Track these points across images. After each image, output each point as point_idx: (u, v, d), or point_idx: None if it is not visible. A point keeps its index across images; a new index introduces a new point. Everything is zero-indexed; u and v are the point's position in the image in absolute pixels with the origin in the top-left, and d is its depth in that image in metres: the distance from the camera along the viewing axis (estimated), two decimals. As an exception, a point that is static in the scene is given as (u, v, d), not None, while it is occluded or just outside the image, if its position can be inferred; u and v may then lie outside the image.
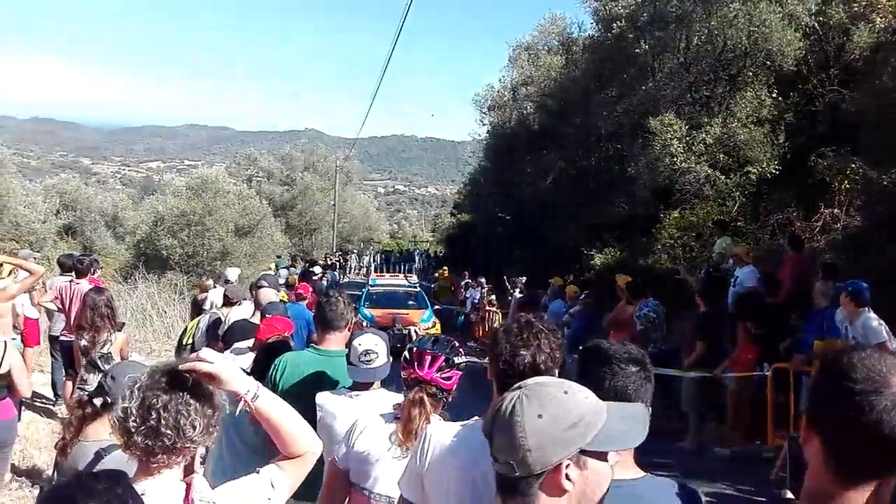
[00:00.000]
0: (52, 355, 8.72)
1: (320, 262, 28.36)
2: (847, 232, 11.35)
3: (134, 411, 2.00)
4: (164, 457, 2.02)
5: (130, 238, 29.40)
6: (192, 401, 2.03)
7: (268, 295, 6.02)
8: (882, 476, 1.32)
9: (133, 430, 1.99)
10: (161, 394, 2.01)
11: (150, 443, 1.99)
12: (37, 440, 7.29)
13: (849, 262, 9.64)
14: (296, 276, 16.55)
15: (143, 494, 1.94)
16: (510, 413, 1.36)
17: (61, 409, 8.17)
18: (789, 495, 1.55)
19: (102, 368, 5.50)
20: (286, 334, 4.16)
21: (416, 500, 2.24)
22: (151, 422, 1.97)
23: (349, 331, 3.75)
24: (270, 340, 4.05)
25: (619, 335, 9.60)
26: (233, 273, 9.60)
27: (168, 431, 1.99)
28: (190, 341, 7.29)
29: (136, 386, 2.04)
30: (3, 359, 4.50)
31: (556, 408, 1.36)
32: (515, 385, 1.43)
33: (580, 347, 2.08)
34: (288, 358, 3.75)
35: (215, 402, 2.08)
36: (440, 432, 2.25)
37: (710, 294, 8.57)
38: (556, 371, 2.20)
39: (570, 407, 1.36)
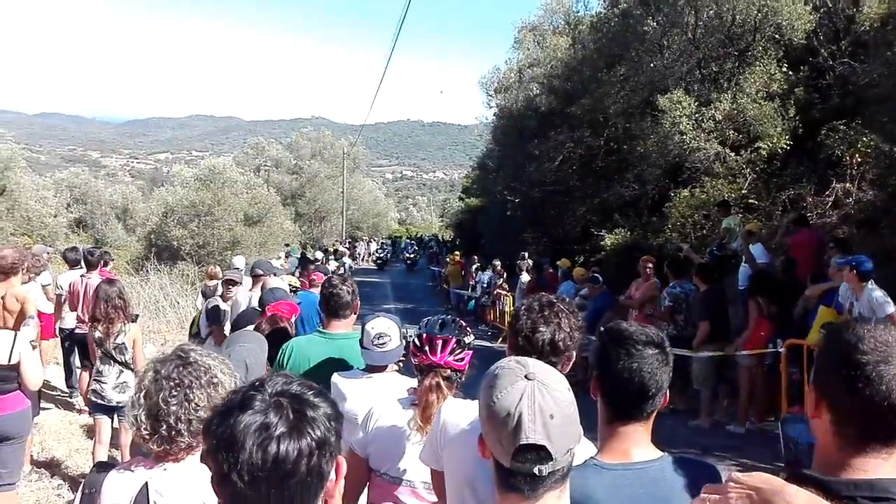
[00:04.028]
0: (62, 347, 8.78)
1: (320, 249, 28.49)
2: (860, 206, 11.25)
3: (143, 420, 2.03)
4: (184, 452, 2.07)
5: (141, 230, 29.64)
6: (200, 398, 2.04)
7: (273, 282, 6.05)
8: (891, 443, 1.36)
9: (147, 437, 2.04)
10: (170, 399, 2.02)
11: (166, 447, 2.04)
12: (55, 432, 7.37)
13: (862, 236, 9.57)
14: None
15: (166, 472, 2.03)
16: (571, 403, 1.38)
17: (78, 401, 8.24)
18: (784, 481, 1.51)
19: (117, 359, 5.55)
20: (291, 319, 4.16)
21: (437, 466, 2.30)
22: (162, 431, 2.01)
23: (354, 314, 3.79)
24: (266, 329, 4.05)
25: (639, 315, 9.58)
26: (239, 261, 9.61)
27: (181, 440, 2.03)
28: (196, 330, 7.38)
29: (143, 393, 2.05)
30: (12, 349, 4.53)
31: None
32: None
33: (601, 328, 2.07)
34: (295, 342, 3.78)
35: (221, 389, 2.09)
36: (455, 410, 2.28)
37: (708, 273, 8.51)
38: (574, 351, 2.21)
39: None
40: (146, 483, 2.04)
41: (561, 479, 1.38)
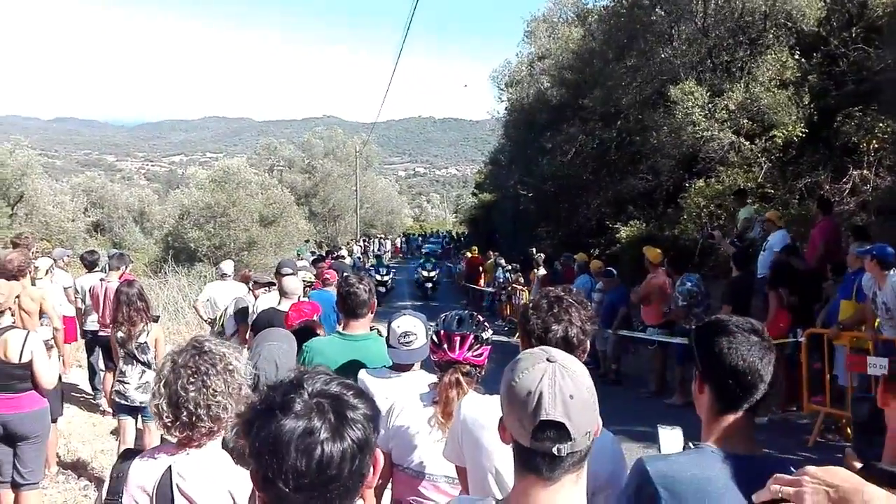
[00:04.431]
0: (87, 350, 8.89)
1: (324, 249, 28.58)
2: (878, 193, 11.14)
3: (165, 408, 2.13)
4: (205, 438, 2.17)
5: (158, 232, 29.88)
6: (217, 384, 2.14)
7: (291, 282, 6.08)
8: None
9: (170, 425, 2.15)
10: (188, 386, 2.12)
11: (188, 433, 2.14)
12: (80, 434, 7.48)
13: (881, 223, 9.48)
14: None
15: (188, 457, 2.14)
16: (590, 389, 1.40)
17: (101, 403, 8.35)
18: (856, 463, 1.53)
19: (140, 359, 5.62)
20: (314, 318, 4.20)
21: (461, 462, 2.32)
22: (184, 418, 2.11)
23: (372, 313, 3.80)
24: (296, 326, 4.09)
25: (650, 308, 9.58)
26: (227, 266, 9.69)
27: (202, 425, 2.13)
28: (221, 329, 7.43)
29: (163, 383, 2.15)
30: (23, 347, 4.59)
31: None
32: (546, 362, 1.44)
33: (696, 325, 2.07)
34: (314, 345, 3.79)
35: (237, 375, 2.19)
36: (475, 405, 2.30)
37: (743, 261, 8.53)
38: (588, 343, 2.22)
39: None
40: (169, 467, 2.14)
41: (579, 462, 1.40)
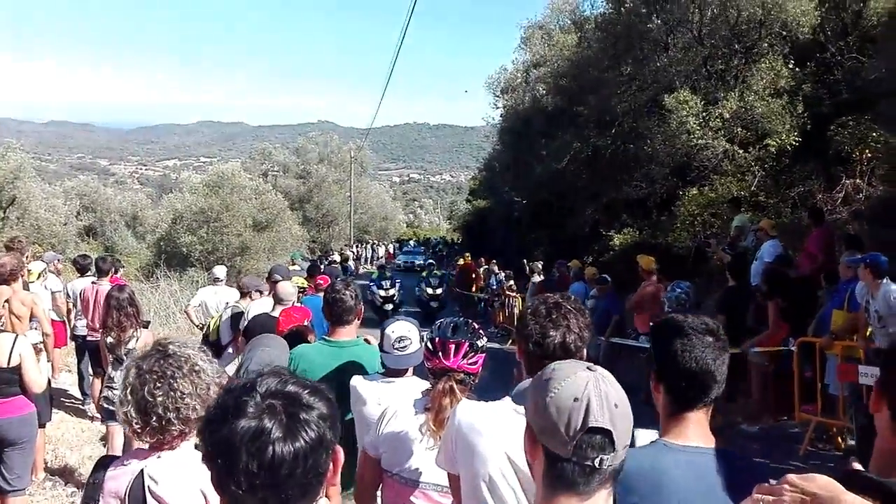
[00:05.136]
0: (77, 355, 8.83)
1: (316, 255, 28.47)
2: (870, 202, 11.17)
3: (134, 415, 2.12)
4: (177, 440, 2.16)
5: (151, 237, 29.73)
6: (185, 386, 2.12)
7: (286, 288, 6.03)
8: None
9: (140, 431, 2.13)
10: (155, 391, 2.11)
11: (159, 437, 2.14)
12: (67, 439, 7.40)
13: (873, 232, 9.49)
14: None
15: (160, 460, 2.12)
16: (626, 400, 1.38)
17: (90, 408, 8.28)
18: (857, 465, 1.54)
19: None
20: (305, 323, 4.17)
21: (454, 470, 2.30)
22: (153, 423, 2.10)
23: (358, 319, 3.78)
24: (288, 330, 4.06)
25: (643, 316, 9.56)
26: (220, 271, 9.63)
27: (172, 428, 2.12)
28: (215, 337, 7.33)
29: (129, 390, 2.13)
30: (12, 350, 4.54)
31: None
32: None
33: (652, 325, 2.10)
34: (300, 351, 3.76)
35: (204, 375, 2.18)
36: (469, 412, 2.27)
37: (739, 270, 8.53)
38: (585, 350, 2.19)
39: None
40: (141, 471, 2.13)
41: (612, 476, 1.37)
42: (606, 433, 1.31)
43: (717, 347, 1.85)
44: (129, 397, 2.11)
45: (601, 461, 1.31)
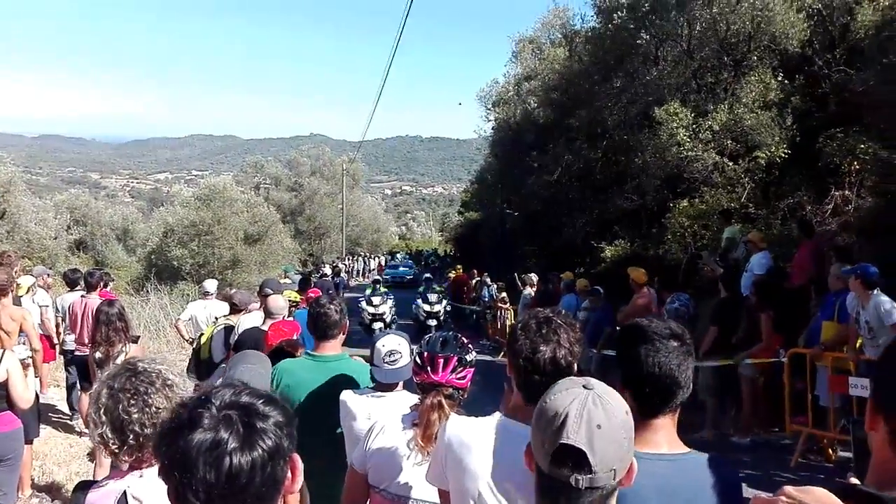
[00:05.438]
0: (66, 370, 8.76)
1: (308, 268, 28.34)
2: (859, 213, 11.22)
3: (110, 435, 2.09)
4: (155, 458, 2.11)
5: (141, 250, 29.61)
6: (159, 401, 2.11)
7: (276, 302, 5.99)
8: None
9: (117, 451, 2.10)
10: (130, 409, 2.09)
11: (138, 454, 2.10)
12: (55, 455, 7.31)
13: (862, 243, 9.54)
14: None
15: (142, 478, 2.09)
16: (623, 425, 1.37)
17: (78, 424, 8.19)
18: (854, 480, 1.54)
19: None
20: (294, 337, 4.14)
21: (443, 486, 2.27)
22: (131, 441, 2.08)
23: (343, 334, 3.75)
24: (277, 345, 4.03)
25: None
26: (210, 285, 9.59)
27: (150, 444, 2.06)
28: (207, 355, 7.19)
29: (102, 410, 2.11)
30: None
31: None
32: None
33: (619, 329, 2.10)
34: (284, 366, 3.70)
35: (176, 388, 2.18)
36: (459, 427, 2.25)
37: (731, 282, 8.54)
38: (575, 366, 2.18)
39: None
40: (124, 491, 2.09)
41: (601, 500, 1.35)
42: (580, 453, 1.29)
43: (682, 352, 1.85)
44: (104, 417, 2.09)
45: (577, 481, 1.30)
